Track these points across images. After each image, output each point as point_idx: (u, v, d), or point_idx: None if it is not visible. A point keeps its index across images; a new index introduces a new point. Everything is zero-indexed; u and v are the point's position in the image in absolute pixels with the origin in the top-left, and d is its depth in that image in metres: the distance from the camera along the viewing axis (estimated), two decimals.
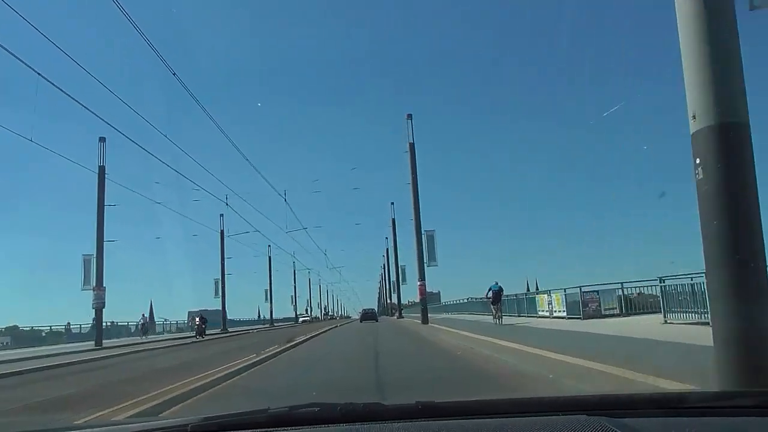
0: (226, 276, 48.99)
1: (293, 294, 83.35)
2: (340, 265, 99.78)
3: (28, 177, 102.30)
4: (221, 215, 45.05)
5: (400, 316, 53.15)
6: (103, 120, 17.87)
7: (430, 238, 28.90)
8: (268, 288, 67.56)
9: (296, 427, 1.57)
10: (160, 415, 5.64)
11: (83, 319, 43.29)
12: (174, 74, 17.69)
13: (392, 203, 50.80)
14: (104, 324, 33.00)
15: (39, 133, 27.39)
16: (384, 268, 78.53)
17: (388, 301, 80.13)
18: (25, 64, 14.54)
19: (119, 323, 47.74)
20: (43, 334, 41.62)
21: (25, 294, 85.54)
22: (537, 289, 42.87)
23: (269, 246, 60.80)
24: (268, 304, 68.89)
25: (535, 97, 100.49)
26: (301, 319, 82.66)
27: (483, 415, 1.58)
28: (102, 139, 27.61)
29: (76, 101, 16.64)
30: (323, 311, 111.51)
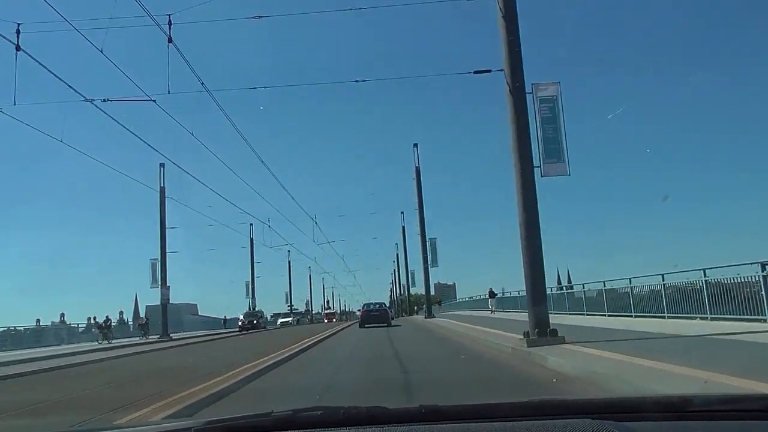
0: (168, 256, 34.58)
1: (287, 290, 70.98)
2: (335, 239, 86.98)
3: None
4: (161, 165, 32.12)
5: (430, 315, 35.82)
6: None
7: (553, 104, 11.28)
8: (250, 279, 55.47)
9: (300, 431, 1.58)
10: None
11: None
12: (218, 105, 16.88)
13: (415, 145, 40.03)
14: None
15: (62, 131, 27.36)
16: (397, 258, 62.95)
17: (405, 293, 62.42)
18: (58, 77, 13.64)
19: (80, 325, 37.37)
20: None
21: None
22: (569, 280, 36.08)
23: (251, 225, 49.69)
24: (254, 300, 55.14)
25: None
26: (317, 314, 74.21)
27: (486, 419, 1.57)
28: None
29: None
30: (324, 308, 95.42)
